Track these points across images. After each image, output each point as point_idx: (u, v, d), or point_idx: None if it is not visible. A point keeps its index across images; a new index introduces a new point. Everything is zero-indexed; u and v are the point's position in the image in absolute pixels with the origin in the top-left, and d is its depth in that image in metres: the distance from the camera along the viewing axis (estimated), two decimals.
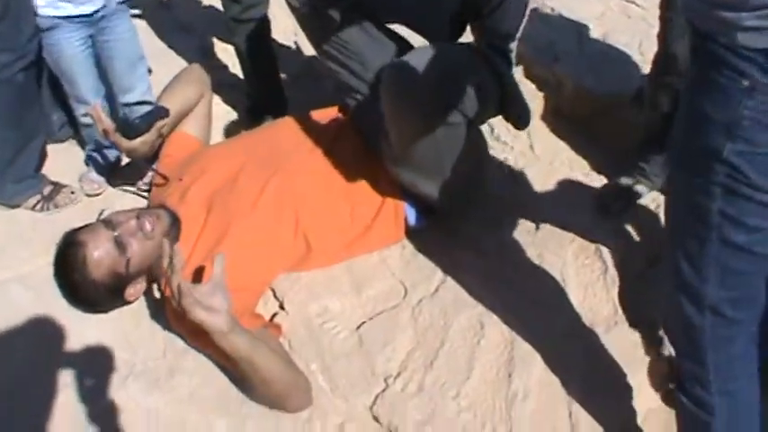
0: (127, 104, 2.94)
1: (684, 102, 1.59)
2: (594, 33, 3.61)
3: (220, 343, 1.96)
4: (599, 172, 2.99)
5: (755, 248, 1.58)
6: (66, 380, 2.26)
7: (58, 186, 2.96)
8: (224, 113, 3.41)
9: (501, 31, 2.43)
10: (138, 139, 2.52)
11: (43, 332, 2.39)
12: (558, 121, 3.28)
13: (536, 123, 3.24)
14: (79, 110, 2.91)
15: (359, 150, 2.55)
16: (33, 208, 2.92)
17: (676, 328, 1.79)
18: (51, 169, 3.10)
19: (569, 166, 3.05)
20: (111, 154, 2.95)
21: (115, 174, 2.99)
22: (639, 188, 2.76)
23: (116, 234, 2.22)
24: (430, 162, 2.34)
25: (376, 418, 2.17)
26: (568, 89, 3.30)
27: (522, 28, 2.47)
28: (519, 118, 2.52)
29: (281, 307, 2.42)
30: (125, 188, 2.93)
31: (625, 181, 2.77)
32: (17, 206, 2.93)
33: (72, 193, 2.94)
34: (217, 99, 3.32)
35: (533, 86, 3.45)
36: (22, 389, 2.23)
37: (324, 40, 2.56)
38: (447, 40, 2.55)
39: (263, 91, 3.21)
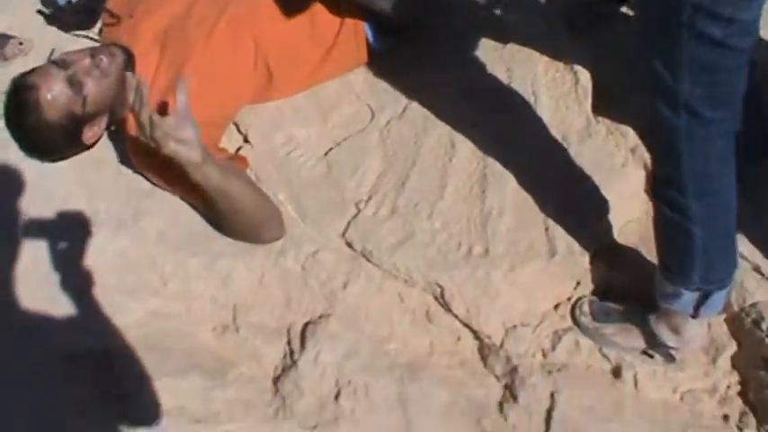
0: None
1: None
2: None
3: (193, 175, 1.90)
4: None
5: (731, 41, 1.51)
6: (31, 233, 2.20)
7: (4, 37, 2.82)
8: None
9: None
10: None
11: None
12: None
13: None
14: None
15: None
16: None
17: (652, 132, 1.74)
18: None
19: None
20: None
21: (66, 19, 2.84)
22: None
23: (69, 73, 2.10)
24: None
25: (349, 244, 2.14)
26: None
27: None
28: None
29: (246, 140, 2.36)
30: (77, 33, 2.79)
31: None
32: None
33: (20, 44, 2.80)
34: None
35: None
36: None
37: None
38: None
39: None
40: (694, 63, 1.54)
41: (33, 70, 2.14)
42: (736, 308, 2.16)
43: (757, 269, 2.21)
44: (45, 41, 2.68)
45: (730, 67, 1.59)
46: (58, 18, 2.80)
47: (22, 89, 2.09)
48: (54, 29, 2.78)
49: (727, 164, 1.74)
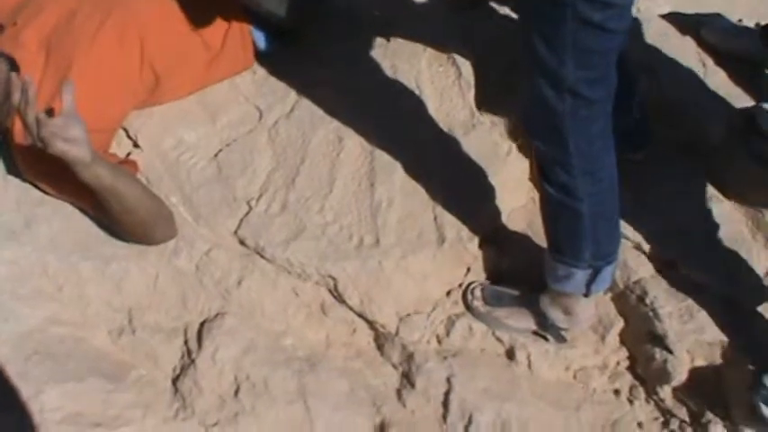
0: None
1: None
2: None
3: (82, 175, 1.89)
4: None
5: (609, 24, 1.60)
6: None
7: None
8: None
9: None
10: None
11: None
12: None
13: None
14: None
15: None
16: None
17: (537, 115, 1.80)
18: None
19: None
20: None
21: None
22: None
23: None
24: None
25: (242, 242, 2.16)
26: None
27: None
28: None
29: (136, 145, 2.34)
30: None
31: None
32: None
33: None
34: None
35: None
36: None
37: None
38: None
39: None
40: (576, 46, 1.62)
41: None
42: (621, 286, 2.26)
43: (638, 247, 2.31)
44: None
45: (609, 49, 1.68)
46: None
47: None
48: None
49: (608, 142, 1.83)
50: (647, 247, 2.31)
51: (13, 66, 2.19)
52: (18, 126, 2.01)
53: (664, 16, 2.97)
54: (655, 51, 2.80)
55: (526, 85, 1.76)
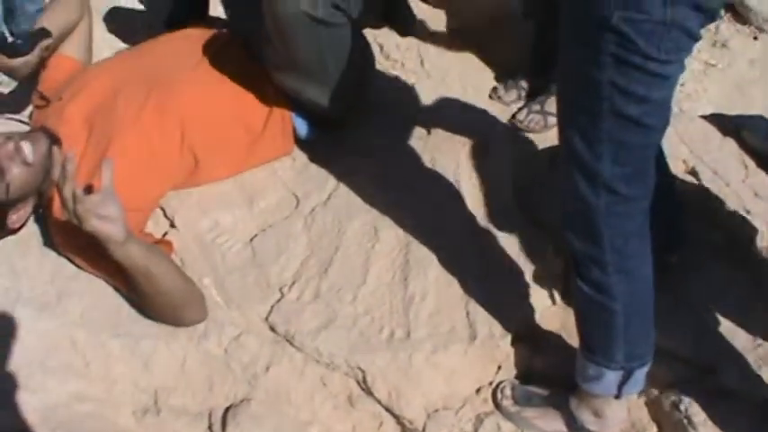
0: None
1: None
2: None
3: (115, 253, 1.91)
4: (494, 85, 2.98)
5: (646, 120, 1.59)
6: None
7: None
8: (108, 42, 3.27)
9: None
10: (20, 59, 2.41)
11: None
12: (450, 38, 3.25)
13: (426, 41, 3.21)
14: None
15: (243, 61, 2.47)
16: None
17: (572, 210, 1.78)
18: None
19: (460, 81, 3.02)
20: None
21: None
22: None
23: None
24: (314, 65, 2.27)
25: (272, 328, 2.15)
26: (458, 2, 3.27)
27: None
28: (404, 22, 2.47)
29: (172, 225, 2.36)
30: (8, 116, 2.80)
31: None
32: None
33: None
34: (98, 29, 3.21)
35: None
36: None
37: None
38: None
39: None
40: (612, 140, 1.61)
41: None
42: (655, 390, 2.20)
43: (674, 351, 2.26)
44: None
45: (646, 145, 1.67)
46: None
47: None
48: None
49: (645, 240, 1.81)
50: (682, 351, 2.25)
51: (55, 140, 2.22)
52: (57, 200, 2.03)
53: (705, 117, 2.97)
54: (696, 152, 2.79)
55: (564, 178, 1.75)
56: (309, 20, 2.12)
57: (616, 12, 1.46)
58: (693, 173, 2.71)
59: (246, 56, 2.46)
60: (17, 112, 2.72)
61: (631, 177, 1.67)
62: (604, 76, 1.53)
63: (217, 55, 2.49)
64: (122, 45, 3.22)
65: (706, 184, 2.68)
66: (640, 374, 1.95)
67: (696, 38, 1.55)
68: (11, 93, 2.82)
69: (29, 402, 2.01)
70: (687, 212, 2.49)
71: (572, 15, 1.59)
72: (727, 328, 2.31)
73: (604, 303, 1.81)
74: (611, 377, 1.92)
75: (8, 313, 2.14)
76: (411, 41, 2.97)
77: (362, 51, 2.46)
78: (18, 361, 2.06)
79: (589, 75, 1.56)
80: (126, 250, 1.90)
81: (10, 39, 2.44)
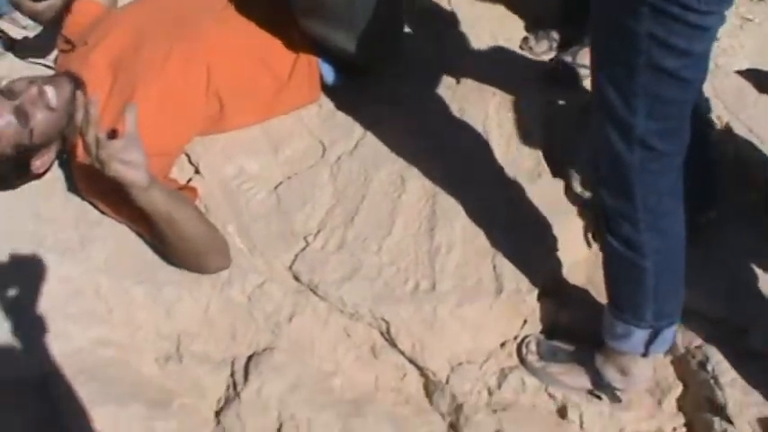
0: None
1: None
2: None
3: (138, 199, 1.89)
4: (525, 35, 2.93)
5: (684, 74, 1.53)
6: None
7: None
8: None
9: None
10: (44, 3, 2.39)
11: None
12: None
13: None
14: None
15: (271, 5, 2.40)
16: None
17: (605, 164, 1.73)
18: None
19: (490, 31, 2.96)
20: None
21: (23, 46, 2.84)
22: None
23: (16, 104, 2.09)
24: (341, 10, 2.22)
25: (296, 277, 2.13)
26: None
27: None
28: None
29: (197, 171, 2.34)
30: (33, 60, 2.78)
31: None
32: None
33: None
34: None
35: None
36: None
37: None
38: None
39: None
40: (648, 94, 1.55)
41: None
42: (682, 349, 2.17)
43: (703, 310, 2.22)
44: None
45: (683, 100, 1.61)
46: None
47: None
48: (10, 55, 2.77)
49: (678, 198, 1.76)
50: (712, 310, 2.22)
51: (79, 85, 2.20)
52: (80, 145, 2.01)
53: (741, 72, 2.89)
54: (730, 108, 2.73)
55: (596, 132, 1.70)
56: None
57: None
58: (728, 129, 2.64)
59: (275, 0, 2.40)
60: (43, 56, 2.70)
61: (666, 132, 1.62)
62: (642, 28, 1.47)
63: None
64: None
65: (741, 140, 2.62)
66: (669, 333, 1.92)
67: None
68: (36, 37, 2.78)
69: (52, 347, 2.00)
70: (722, 169, 2.44)
71: None
72: (758, 288, 2.27)
73: (635, 261, 1.77)
74: (639, 335, 1.88)
75: (32, 258, 2.13)
76: None
77: None
78: (41, 306, 2.05)
79: (625, 25, 1.49)
80: (149, 196, 1.88)
81: None
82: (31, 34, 2.70)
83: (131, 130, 1.84)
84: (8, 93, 2.11)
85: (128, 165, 1.81)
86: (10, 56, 2.80)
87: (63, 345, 2.02)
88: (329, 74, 2.45)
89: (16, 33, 2.77)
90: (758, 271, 2.30)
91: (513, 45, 2.87)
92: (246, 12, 2.40)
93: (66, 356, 2.02)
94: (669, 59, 1.49)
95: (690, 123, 1.68)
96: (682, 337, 2.17)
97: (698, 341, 2.18)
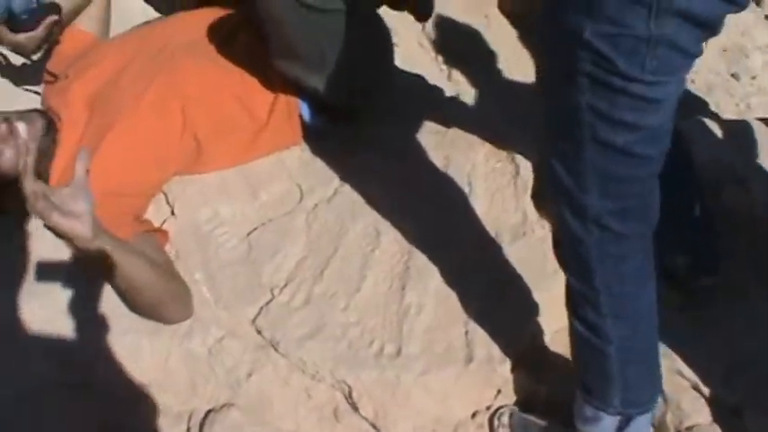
0: None
1: None
2: None
3: (83, 250, 1.79)
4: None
5: (637, 149, 1.39)
6: None
7: None
8: (142, 10, 3.19)
9: None
10: (24, 35, 2.33)
11: None
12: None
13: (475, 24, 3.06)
14: None
15: (253, 44, 2.32)
16: None
17: (564, 243, 1.61)
18: None
19: (507, 69, 2.86)
20: None
21: (20, 72, 2.80)
22: None
23: None
24: (311, 54, 2.12)
25: (259, 332, 2.03)
26: None
27: None
28: (418, 6, 2.31)
29: (173, 212, 2.26)
30: (27, 87, 2.74)
31: None
32: None
33: None
34: None
35: None
36: None
37: None
38: None
39: None
40: (598, 172, 1.42)
41: None
42: (672, 430, 2.04)
43: (696, 388, 2.09)
44: None
45: (639, 177, 1.47)
46: None
47: None
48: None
49: (645, 282, 1.63)
50: (705, 388, 2.08)
51: (51, 123, 2.16)
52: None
53: (762, 119, 2.74)
54: (747, 158, 2.57)
55: (552, 209, 1.57)
56: (300, 5, 1.97)
57: (589, 25, 1.26)
58: (742, 181, 2.49)
59: (257, 38, 2.31)
60: (38, 83, 2.66)
61: (625, 212, 1.48)
62: (582, 99, 1.33)
63: (228, 37, 2.37)
64: (154, 14, 3.14)
65: (756, 194, 2.47)
66: (643, 421, 1.79)
67: (694, 54, 1.33)
68: (36, 63, 2.75)
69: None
70: (734, 227, 2.30)
71: (544, 27, 1.40)
72: (760, 363, 2.12)
73: (598, 346, 1.64)
74: (609, 421, 1.76)
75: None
76: (443, 27, 2.84)
77: (372, 37, 2.29)
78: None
79: (566, 95, 1.36)
80: (94, 247, 1.78)
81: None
82: (30, 60, 2.65)
83: (79, 177, 1.75)
84: None
85: (68, 216, 1.72)
86: (6, 82, 2.78)
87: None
88: (310, 115, 2.36)
89: (15, 58, 2.73)
90: (759, 344, 2.15)
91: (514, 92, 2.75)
92: (228, 49, 2.32)
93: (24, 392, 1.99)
94: (616, 135, 1.36)
95: (660, 194, 1.54)
96: (671, 416, 2.04)
97: (689, 421, 2.04)
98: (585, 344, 1.68)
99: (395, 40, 2.51)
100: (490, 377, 2.01)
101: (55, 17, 2.38)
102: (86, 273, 2.06)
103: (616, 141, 1.37)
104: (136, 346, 2.02)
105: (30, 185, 1.70)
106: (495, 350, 2.00)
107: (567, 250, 1.61)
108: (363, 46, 2.15)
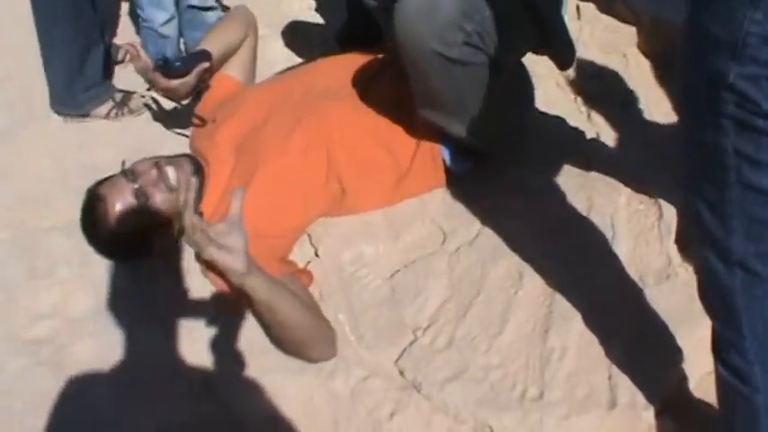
0: (193, 7, 3.10)
1: (686, 20, 1.37)
2: None
3: (236, 285, 1.84)
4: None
5: None
6: (90, 328, 2.24)
7: (127, 93, 3.07)
8: (284, 56, 3.31)
9: None
10: (177, 81, 2.45)
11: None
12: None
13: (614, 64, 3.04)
14: (156, 17, 3.07)
15: (397, 90, 2.37)
16: (107, 116, 3.08)
17: (709, 290, 1.58)
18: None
19: (647, 108, 2.83)
20: None
21: (170, 116, 2.94)
22: None
23: (136, 186, 2.17)
24: (454, 104, 2.16)
25: (401, 373, 2.05)
26: (646, 23, 3.07)
27: None
28: (560, 57, 2.31)
29: (316, 254, 2.32)
30: (176, 131, 2.86)
31: None
32: (86, 115, 3.10)
33: (143, 96, 2.99)
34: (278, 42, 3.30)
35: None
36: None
37: None
38: None
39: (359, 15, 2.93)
40: (744, 215, 1.39)
41: (105, 181, 2.22)
42: None
43: None
44: None
45: None
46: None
47: (93, 200, 2.19)
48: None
49: None
50: None
51: (199, 167, 2.25)
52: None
53: None
54: None
55: (695, 252, 1.54)
56: (443, 59, 2.00)
57: (734, 66, 1.25)
58: None
59: (401, 84, 2.36)
60: (186, 127, 2.77)
61: None
62: (727, 142, 1.31)
63: (371, 81, 2.43)
64: (298, 59, 3.25)
65: None
66: None
67: None
68: (185, 107, 2.87)
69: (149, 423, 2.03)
70: None
71: (686, 70, 1.39)
72: None
73: (746, 394, 1.58)
74: None
75: (141, 330, 2.20)
76: (581, 67, 2.83)
77: (514, 84, 2.32)
78: (135, 379, 2.10)
79: (710, 139, 1.34)
80: (247, 283, 1.83)
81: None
82: (181, 104, 2.77)
83: (234, 214, 1.81)
84: (130, 174, 2.18)
85: (224, 250, 1.78)
86: (157, 125, 2.92)
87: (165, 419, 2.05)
88: (452, 159, 2.39)
89: (167, 103, 2.86)
90: None
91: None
92: (372, 94, 2.38)
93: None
94: (762, 177, 1.33)
95: None
96: None
97: None
98: (732, 391, 1.62)
99: (534, 82, 2.52)
100: (634, 423, 1.96)
101: (206, 64, 2.49)
102: (232, 311, 2.13)
103: (763, 184, 1.34)
104: (280, 385, 2.06)
105: (189, 219, 1.77)
106: (639, 396, 1.95)
107: (712, 294, 1.57)
108: (505, 93, 2.18)
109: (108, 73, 3.24)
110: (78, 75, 3.01)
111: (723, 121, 1.30)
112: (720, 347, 1.60)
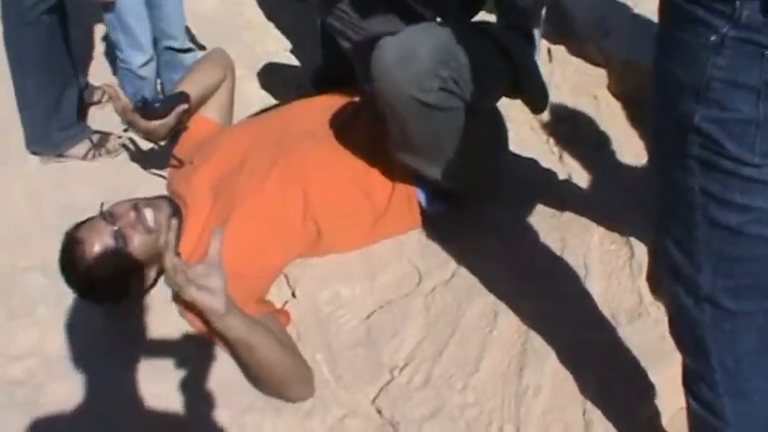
0: (170, 48, 3.19)
1: (653, 65, 1.42)
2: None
3: (215, 324, 1.89)
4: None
5: (749, 229, 1.37)
6: (67, 368, 2.25)
7: (104, 134, 3.08)
8: (260, 98, 3.36)
9: (517, 5, 2.28)
10: (156, 122, 2.48)
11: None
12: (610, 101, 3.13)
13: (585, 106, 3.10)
14: (135, 59, 3.09)
15: (373, 133, 2.42)
16: (85, 157, 3.08)
17: (679, 325, 1.61)
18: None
19: (619, 149, 2.88)
20: None
21: (148, 157, 2.96)
22: None
23: (115, 229, 2.19)
24: (431, 148, 2.21)
25: (379, 412, 2.07)
26: (617, 65, 3.13)
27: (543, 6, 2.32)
28: (533, 102, 2.36)
29: (294, 294, 2.35)
30: (153, 171, 2.89)
31: None
32: (62, 155, 3.11)
33: (120, 137, 3.00)
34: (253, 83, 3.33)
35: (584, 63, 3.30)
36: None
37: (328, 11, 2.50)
38: (457, 16, 2.41)
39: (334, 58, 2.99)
40: (712, 252, 1.43)
41: (83, 223, 2.24)
42: None
43: None
44: None
45: (754, 257, 1.46)
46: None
47: (71, 243, 2.20)
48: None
49: (762, 359, 1.61)
50: None
51: (177, 209, 2.27)
52: None
53: None
54: None
55: (668, 291, 1.58)
56: (420, 105, 2.05)
57: (699, 109, 1.29)
58: None
59: (377, 126, 2.40)
60: (164, 168, 2.80)
61: (738, 290, 1.46)
62: (694, 182, 1.35)
63: (348, 123, 2.47)
64: (273, 101, 3.28)
65: None
66: None
67: None
68: (163, 148, 2.89)
69: None
70: None
71: (654, 112, 1.44)
72: None
73: (716, 427, 1.61)
74: None
75: (125, 373, 2.18)
76: (553, 109, 2.88)
77: (489, 128, 2.36)
78: (111, 420, 2.10)
79: (678, 179, 1.39)
80: (226, 322, 1.87)
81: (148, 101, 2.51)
82: (159, 145, 2.79)
83: (213, 255, 1.85)
84: (109, 217, 2.20)
85: (204, 291, 1.81)
86: (135, 166, 2.93)
87: None
88: (427, 201, 2.43)
89: (145, 144, 2.88)
90: None
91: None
92: (348, 136, 2.43)
93: None
94: (729, 215, 1.37)
95: None
96: None
97: None
98: (703, 425, 1.65)
99: (508, 125, 2.56)
100: None
101: (185, 106, 2.53)
102: (209, 351, 2.14)
103: (729, 222, 1.38)
104: (258, 425, 2.07)
105: (170, 260, 1.81)
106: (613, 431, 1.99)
107: (681, 328, 1.60)
108: (481, 137, 2.23)
109: (83, 114, 3.26)
110: (55, 114, 3.04)
111: (689, 161, 1.35)
112: (691, 381, 1.63)
